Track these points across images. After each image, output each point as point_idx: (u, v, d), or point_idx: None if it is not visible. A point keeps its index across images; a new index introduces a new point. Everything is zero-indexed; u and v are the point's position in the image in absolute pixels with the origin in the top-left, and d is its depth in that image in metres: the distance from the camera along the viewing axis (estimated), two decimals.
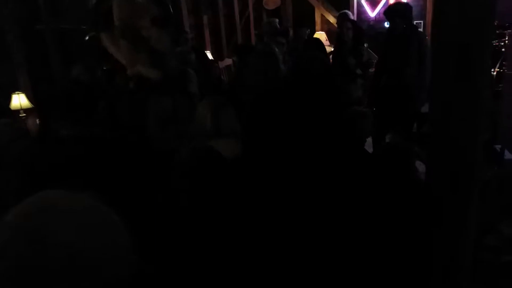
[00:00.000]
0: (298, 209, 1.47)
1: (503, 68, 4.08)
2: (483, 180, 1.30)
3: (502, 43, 4.05)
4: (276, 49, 3.48)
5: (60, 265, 0.59)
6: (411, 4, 4.59)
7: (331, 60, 4.39)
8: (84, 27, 3.96)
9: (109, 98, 2.65)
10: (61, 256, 0.59)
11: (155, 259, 1.22)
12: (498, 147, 3.50)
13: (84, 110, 1.74)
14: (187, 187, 1.49)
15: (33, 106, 3.99)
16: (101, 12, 3.09)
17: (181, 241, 1.36)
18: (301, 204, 1.47)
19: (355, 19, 6.27)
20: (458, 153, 1.24)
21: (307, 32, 5.70)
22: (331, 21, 7.16)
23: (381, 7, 6.76)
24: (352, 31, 4.35)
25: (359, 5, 7.10)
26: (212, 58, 5.58)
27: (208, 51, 5.70)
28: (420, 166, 2.16)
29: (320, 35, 6.61)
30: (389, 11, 3.93)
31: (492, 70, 4.07)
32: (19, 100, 3.91)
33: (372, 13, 7.05)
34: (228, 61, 6.11)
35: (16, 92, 3.92)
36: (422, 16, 6.52)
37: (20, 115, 3.93)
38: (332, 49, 4.98)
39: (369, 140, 3.35)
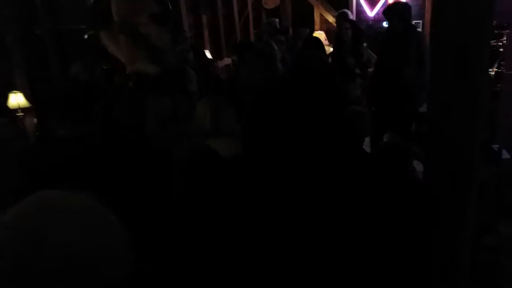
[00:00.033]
0: (297, 208, 1.47)
1: (502, 68, 4.08)
2: (481, 179, 1.31)
3: (501, 43, 4.05)
4: (276, 47, 3.48)
5: (58, 265, 0.59)
6: (410, 3, 4.59)
7: (330, 60, 4.39)
8: (82, 26, 3.96)
9: (107, 97, 2.64)
10: (59, 256, 0.59)
11: (153, 259, 1.22)
12: (496, 146, 3.51)
13: (83, 110, 1.74)
14: (185, 186, 1.49)
15: (31, 105, 3.98)
16: (99, 10, 3.09)
17: (180, 241, 1.36)
18: (300, 203, 1.47)
19: (354, 18, 6.27)
20: (456, 152, 1.24)
21: (306, 31, 5.70)
22: (330, 21, 7.17)
23: (380, 7, 6.76)
24: (351, 31, 4.35)
25: (358, 4, 7.11)
26: (211, 58, 5.58)
27: (207, 51, 5.69)
28: (418, 166, 2.17)
29: (319, 34, 6.61)
30: (388, 10, 3.93)
31: (491, 70, 4.07)
32: (17, 100, 3.90)
33: (371, 13, 7.06)
34: (227, 61, 6.10)
35: (14, 92, 3.91)
36: (421, 16, 6.52)
37: (18, 114, 3.92)
38: (332, 49, 4.98)
39: (367, 139, 3.36)
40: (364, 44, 4.54)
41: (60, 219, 0.62)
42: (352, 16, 5.89)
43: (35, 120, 4.01)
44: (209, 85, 3.78)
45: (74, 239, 0.61)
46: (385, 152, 2.06)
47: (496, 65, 4.13)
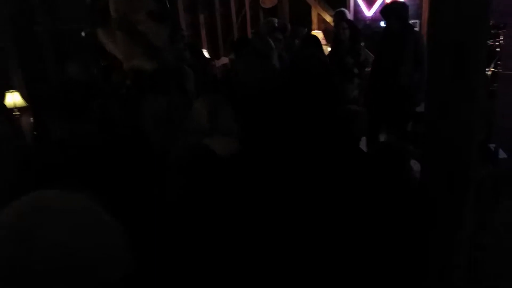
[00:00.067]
0: (293, 206, 1.47)
1: (498, 68, 4.10)
2: (478, 179, 1.31)
3: (497, 43, 4.06)
4: (273, 45, 3.48)
5: (54, 266, 0.59)
6: (407, 3, 4.60)
7: (328, 59, 4.39)
8: (80, 24, 3.94)
9: (104, 95, 2.63)
10: (55, 256, 0.59)
11: (150, 258, 1.22)
12: (492, 146, 3.52)
13: (79, 109, 1.73)
14: (182, 185, 1.49)
15: (27, 104, 3.97)
16: (97, 7, 3.09)
17: (176, 239, 1.36)
18: (297, 201, 1.47)
19: (352, 18, 6.28)
20: (453, 152, 1.24)
21: (304, 31, 5.70)
22: (328, 20, 7.17)
23: (378, 6, 6.77)
24: (348, 31, 4.35)
25: (356, 4, 7.11)
26: (209, 57, 5.57)
27: (205, 50, 5.69)
28: (415, 165, 2.17)
29: (317, 34, 6.60)
30: (385, 10, 3.93)
31: (487, 69, 4.08)
32: (13, 99, 3.88)
33: (368, 12, 7.06)
34: (225, 60, 6.10)
35: (10, 91, 3.89)
36: (418, 16, 6.53)
37: (14, 113, 3.90)
38: (329, 49, 4.99)
39: (363, 139, 3.35)
40: (362, 44, 4.55)
41: (56, 219, 0.62)
42: (349, 15, 5.90)
43: (31, 119, 3.99)
44: (207, 84, 3.78)
45: (70, 239, 0.60)
46: (382, 152, 2.06)
47: (492, 65, 4.14)
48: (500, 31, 3.98)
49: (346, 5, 6.93)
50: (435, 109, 1.28)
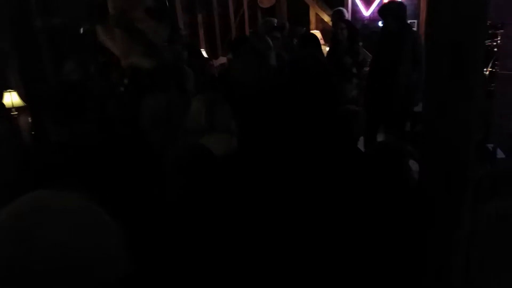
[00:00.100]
0: (291, 205, 1.47)
1: (496, 67, 4.11)
2: (476, 179, 1.31)
3: (495, 43, 4.08)
4: (271, 43, 3.48)
5: (53, 266, 0.59)
6: (405, 3, 4.60)
7: (326, 59, 4.39)
8: (78, 21, 3.93)
9: (102, 95, 2.63)
10: (53, 256, 0.59)
11: (149, 258, 1.22)
12: (490, 146, 3.53)
13: (77, 108, 1.73)
14: (179, 185, 1.49)
15: (25, 104, 3.95)
16: (95, 4, 3.09)
17: (175, 239, 1.36)
18: (295, 201, 1.47)
19: (350, 18, 6.28)
20: (452, 152, 1.24)
21: (303, 30, 5.70)
22: (326, 20, 7.17)
23: (376, 6, 6.78)
24: (346, 31, 4.36)
25: (354, 4, 7.11)
26: (207, 56, 5.57)
27: (203, 50, 5.69)
28: (414, 165, 2.17)
29: (315, 34, 6.61)
30: (382, 9, 3.93)
31: (485, 69, 4.10)
32: (11, 98, 3.87)
33: (366, 12, 7.07)
34: (223, 60, 6.10)
35: (8, 90, 3.88)
36: (416, 16, 6.54)
37: (12, 113, 3.89)
38: (328, 48, 4.99)
39: (361, 139, 3.36)
40: (360, 43, 4.55)
41: (55, 219, 0.62)
42: (347, 15, 5.90)
43: (29, 119, 3.98)
44: (205, 83, 3.78)
45: (69, 239, 0.60)
46: (380, 151, 2.06)
47: (490, 65, 4.16)
48: (497, 31, 3.99)
49: (344, 5, 6.93)
50: (433, 109, 1.29)
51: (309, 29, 7.14)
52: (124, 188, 1.54)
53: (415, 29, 5.91)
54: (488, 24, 3.33)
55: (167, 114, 2.11)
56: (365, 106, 3.95)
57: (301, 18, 7.26)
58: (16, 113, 3.92)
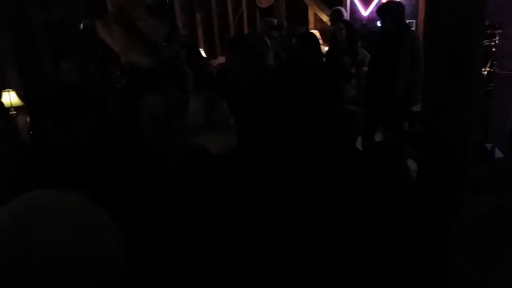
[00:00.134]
0: (290, 204, 1.47)
1: (494, 67, 4.12)
2: (474, 179, 1.32)
3: (493, 43, 4.08)
4: (269, 43, 3.48)
5: (52, 266, 0.58)
6: (404, 3, 4.61)
7: (325, 59, 4.40)
8: (78, 17, 3.92)
9: (101, 94, 2.63)
10: (53, 256, 0.59)
11: (148, 258, 1.22)
12: (489, 146, 3.54)
13: (75, 108, 1.73)
14: (179, 186, 1.49)
15: (23, 104, 3.95)
16: (94, 1, 3.08)
17: (174, 239, 1.36)
18: (293, 200, 1.47)
19: (348, 17, 6.28)
20: (450, 152, 1.25)
21: (302, 30, 5.70)
22: (325, 20, 7.17)
23: (374, 6, 6.78)
24: (345, 31, 4.36)
25: (352, 3, 7.11)
26: (205, 56, 5.57)
27: (202, 49, 5.69)
28: (412, 165, 2.18)
29: (314, 33, 6.62)
30: (381, 9, 3.94)
31: (483, 69, 4.10)
32: (9, 98, 3.86)
33: (365, 12, 7.07)
34: (222, 59, 6.10)
35: (7, 90, 3.87)
36: (414, 16, 6.55)
37: (11, 113, 3.88)
38: (326, 48, 4.99)
39: (359, 138, 3.36)
40: (358, 43, 4.56)
41: (54, 219, 0.62)
42: (346, 15, 5.90)
43: (28, 119, 3.97)
44: (204, 83, 3.77)
45: (68, 239, 0.60)
46: (378, 151, 2.07)
47: (488, 65, 4.17)
48: (496, 31, 4.00)
49: (343, 5, 6.92)
50: (431, 109, 1.29)
51: (307, 29, 7.15)
52: (123, 188, 1.54)
53: (413, 29, 5.91)
54: (486, 24, 3.34)
55: (166, 114, 2.11)
56: (364, 106, 3.96)
57: (300, 18, 7.26)
58: (15, 112, 3.91)
